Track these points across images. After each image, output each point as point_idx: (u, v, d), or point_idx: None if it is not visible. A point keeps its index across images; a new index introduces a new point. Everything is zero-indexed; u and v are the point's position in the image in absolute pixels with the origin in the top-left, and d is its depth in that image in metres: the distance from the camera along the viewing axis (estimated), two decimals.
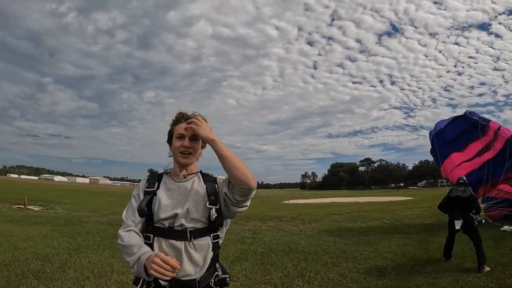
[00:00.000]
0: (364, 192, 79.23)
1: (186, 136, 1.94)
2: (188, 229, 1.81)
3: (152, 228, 1.85)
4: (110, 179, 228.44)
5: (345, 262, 6.60)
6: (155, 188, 1.92)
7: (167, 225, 1.83)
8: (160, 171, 2.08)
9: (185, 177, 1.98)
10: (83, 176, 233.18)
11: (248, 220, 14.44)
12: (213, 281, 1.83)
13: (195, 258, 1.80)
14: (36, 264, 5.94)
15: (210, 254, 1.85)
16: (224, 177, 1.93)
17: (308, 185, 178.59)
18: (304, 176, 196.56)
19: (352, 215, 16.29)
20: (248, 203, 1.86)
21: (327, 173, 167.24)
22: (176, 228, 1.81)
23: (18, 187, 40.41)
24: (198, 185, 1.93)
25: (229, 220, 2.02)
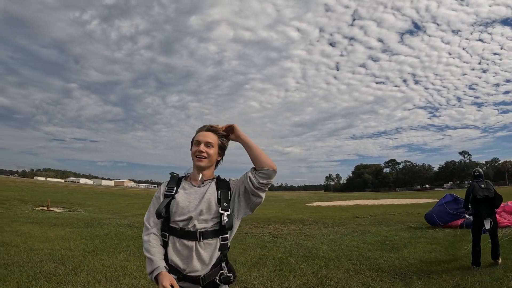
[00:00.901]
0: (389, 194, 77.62)
1: (201, 142, 2.15)
2: (199, 230, 2.00)
3: (168, 228, 2.05)
4: (135, 181, 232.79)
5: (368, 269, 6.17)
6: (174, 192, 2.12)
7: (180, 226, 2.02)
8: (181, 174, 2.29)
9: (202, 182, 2.16)
10: (108, 179, 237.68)
11: (270, 223, 14.18)
12: (218, 278, 1.99)
13: (203, 256, 1.97)
14: (49, 266, 5.83)
15: (217, 253, 2.02)
16: (240, 177, 2.18)
17: (332, 187, 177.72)
18: (328, 178, 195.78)
19: (377, 218, 15.78)
20: (264, 194, 2.10)
21: (351, 174, 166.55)
22: (188, 229, 2.00)
23: (44, 189, 41.27)
24: (212, 191, 2.11)
25: (238, 223, 2.16)
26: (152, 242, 2.02)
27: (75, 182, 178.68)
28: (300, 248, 8.23)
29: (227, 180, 2.21)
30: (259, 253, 7.54)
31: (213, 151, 2.16)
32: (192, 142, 2.25)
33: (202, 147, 2.13)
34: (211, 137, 2.17)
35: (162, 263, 1.94)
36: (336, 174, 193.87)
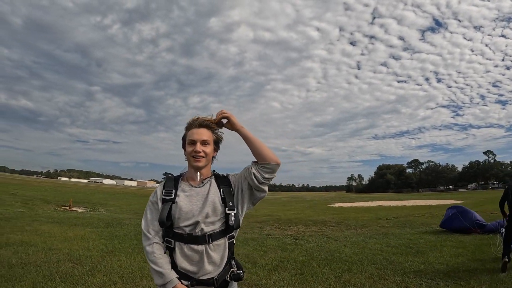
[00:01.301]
0: (412, 195, 75.99)
1: (197, 141, 2.01)
2: (207, 233, 1.91)
3: (172, 234, 1.93)
4: (157, 182, 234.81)
5: (393, 274, 5.84)
6: (173, 196, 1.97)
7: (187, 231, 1.91)
8: (176, 174, 2.15)
9: (202, 182, 2.04)
10: (131, 179, 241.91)
11: (291, 224, 13.93)
12: (228, 276, 1.95)
13: (214, 258, 1.91)
14: (66, 266, 5.76)
15: (226, 253, 1.97)
16: (239, 172, 2.09)
17: (354, 187, 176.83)
18: (350, 178, 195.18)
19: (400, 220, 15.29)
20: (267, 188, 2.04)
21: (373, 175, 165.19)
22: (196, 234, 1.90)
23: (67, 189, 42.08)
24: (214, 190, 2.01)
25: (242, 219, 2.10)
26: (157, 253, 1.91)
27: (98, 182, 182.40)
28: (322, 251, 7.96)
29: (226, 175, 2.12)
30: (280, 256, 7.31)
31: (209, 148, 2.04)
32: (183, 139, 2.11)
33: (199, 147, 2.00)
34: (206, 134, 2.03)
35: (174, 275, 1.86)
36: (358, 175, 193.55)
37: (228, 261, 1.97)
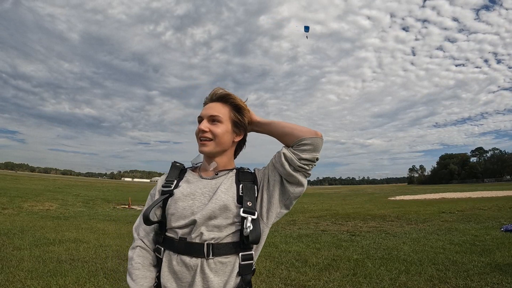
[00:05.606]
0: (477, 185, 70.63)
1: (203, 117, 1.43)
2: (208, 242, 1.25)
3: (163, 239, 1.33)
4: None
5: (455, 276, 5.10)
6: (173, 187, 1.39)
7: (179, 236, 1.28)
8: (188, 165, 1.58)
9: (216, 174, 1.42)
10: None
11: (349, 219, 13.28)
12: None
13: (212, 283, 1.21)
14: (113, 263, 5.77)
15: (234, 279, 1.25)
16: (268, 164, 1.44)
17: (416, 179, 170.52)
18: (412, 169, 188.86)
19: (465, 214, 14.06)
20: (306, 180, 1.36)
21: (436, 165, 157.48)
22: (191, 240, 1.26)
23: (128, 189, 44.07)
24: (229, 184, 1.37)
25: (267, 232, 1.39)
26: (136, 260, 1.32)
27: None
28: (379, 249, 7.35)
29: (251, 171, 1.48)
30: (333, 254, 6.82)
31: (221, 128, 1.41)
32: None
33: (205, 125, 1.40)
34: (219, 109, 1.43)
35: None
36: (420, 166, 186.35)
37: None
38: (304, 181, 1.35)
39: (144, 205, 1.50)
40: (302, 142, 1.32)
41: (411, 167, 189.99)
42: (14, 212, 12.85)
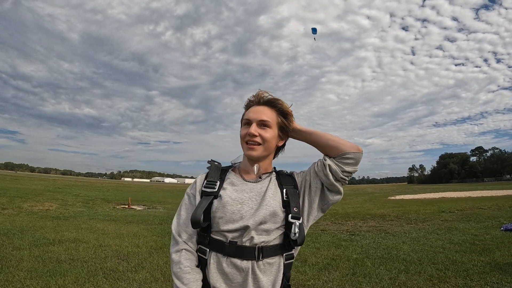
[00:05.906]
0: (477, 185, 70.63)
1: (253, 121, 1.44)
2: (258, 245, 1.32)
3: (209, 241, 1.37)
4: None
5: (454, 276, 5.11)
6: (217, 189, 1.42)
7: (229, 239, 1.34)
8: (225, 164, 1.60)
9: (260, 177, 1.49)
10: (192, 177, 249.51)
11: (348, 219, 13.33)
12: None
13: (262, 283, 1.31)
14: (112, 262, 5.78)
15: (280, 277, 1.36)
16: (306, 169, 1.54)
17: (416, 178, 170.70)
18: (412, 169, 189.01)
19: (465, 213, 14.07)
20: (342, 189, 1.46)
21: (436, 165, 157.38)
22: (241, 244, 1.33)
23: (128, 189, 44.10)
24: (274, 189, 1.44)
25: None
26: (185, 264, 1.34)
27: (160, 181, 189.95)
28: (379, 248, 7.37)
29: (289, 174, 1.55)
30: (333, 253, 6.84)
31: (270, 134, 1.45)
32: (241, 121, 1.54)
33: (254, 129, 1.42)
34: (268, 114, 1.45)
35: None
36: (420, 165, 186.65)
37: None
38: (342, 190, 1.46)
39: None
40: (346, 156, 1.42)
41: (411, 167, 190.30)
42: (14, 212, 12.84)
